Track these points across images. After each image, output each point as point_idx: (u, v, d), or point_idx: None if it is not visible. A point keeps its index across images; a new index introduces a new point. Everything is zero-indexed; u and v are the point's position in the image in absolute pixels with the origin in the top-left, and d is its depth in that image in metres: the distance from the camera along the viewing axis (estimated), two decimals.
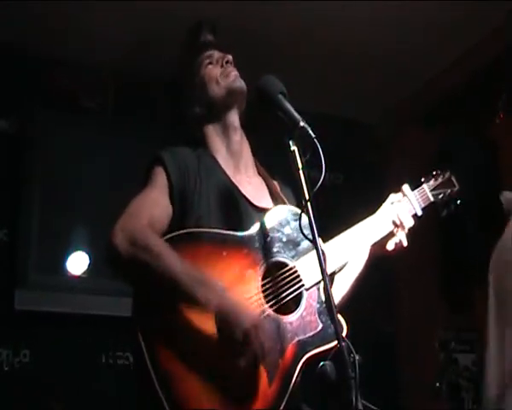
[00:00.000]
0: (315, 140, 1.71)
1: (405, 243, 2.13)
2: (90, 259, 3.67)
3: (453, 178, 2.26)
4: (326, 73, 4.20)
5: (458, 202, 2.25)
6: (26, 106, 3.79)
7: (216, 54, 2.21)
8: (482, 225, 4.14)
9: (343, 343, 1.54)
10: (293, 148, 1.75)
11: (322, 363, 1.61)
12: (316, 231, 1.67)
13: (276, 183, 2.23)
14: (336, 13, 3.68)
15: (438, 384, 3.47)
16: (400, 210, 2.14)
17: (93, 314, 3.58)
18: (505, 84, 4.00)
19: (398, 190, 2.20)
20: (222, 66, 2.18)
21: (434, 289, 4.37)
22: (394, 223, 2.13)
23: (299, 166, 1.72)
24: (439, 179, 2.25)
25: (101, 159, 3.83)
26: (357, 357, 1.52)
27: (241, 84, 2.16)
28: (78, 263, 3.67)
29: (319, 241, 1.67)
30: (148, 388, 1.68)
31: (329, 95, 4.38)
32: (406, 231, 2.14)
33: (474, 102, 4.18)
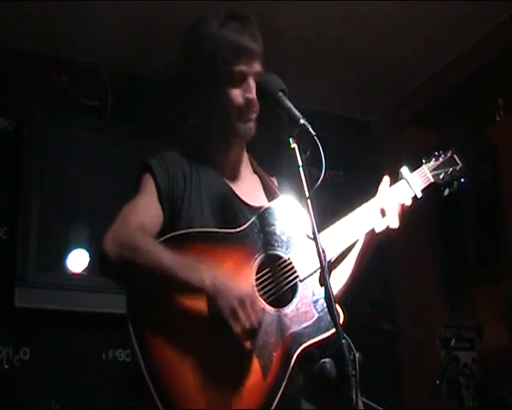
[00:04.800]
0: (315, 138, 1.71)
1: (395, 226, 2.04)
2: (89, 256, 3.67)
3: (456, 156, 2.19)
4: (326, 72, 4.20)
5: (462, 179, 2.16)
6: (25, 105, 3.79)
7: (245, 74, 1.99)
8: (482, 224, 4.15)
9: (343, 341, 1.54)
10: (294, 145, 1.74)
11: (322, 360, 1.61)
12: (316, 229, 1.67)
13: (273, 178, 2.23)
14: (336, 12, 3.68)
15: (438, 382, 3.47)
16: (386, 197, 2.06)
17: (93, 312, 3.58)
18: (505, 83, 4.02)
19: (393, 177, 2.15)
20: (246, 101, 2.00)
21: (435, 287, 4.37)
22: (381, 211, 2.05)
23: (300, 163, 1.72)
24: (440, 159, 2.17)
25: (100, 158, 3.85)
26: (357, 354, 1.52)
27: (250, 135, 2.05)
28: (77, 261, 3.67)
29: (319, 239, 1.67)
30: (141, 384, 1.68)
31: (330, 93, 4.39)
32: (393, 215, 2.04)
33: (473, 102, 4.19)
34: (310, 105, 2.74)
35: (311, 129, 1.73)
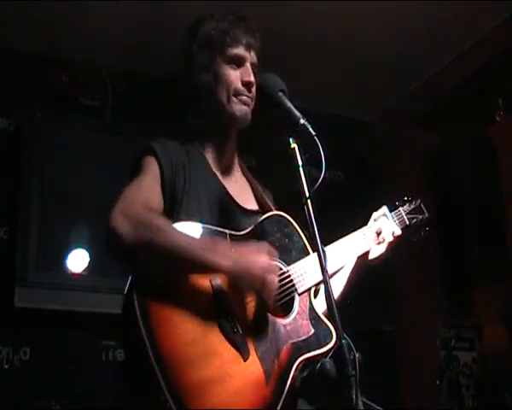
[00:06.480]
0: (315, 137, 1.71)
1: (386, 253, 2.19)
2: (89, 256, 3.66)
3: (422, 206, 2.34)
4: (326, 72, 4.20)
5: (427, 228, 2.34)
6: (25, 105, 3.79)
7: (244, 59, 2.05)
8: (482, 224, 4.15)
9: (343, 341, 1.54)
10: (294, 145, 1.75)
11: (322, 360, 1.61)
12: (316, 229, 1.67)
13: (257, 185, 2.23)
14: (336, 12, 3.69)
15: (438, 382, 3.48)
16: (383, 225, 2.20)
17: (93, 312, 3.57)
18: (505, 83, 4.02)
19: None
20: (243, 83, 2.04)
21: (435, 288, 4.37)
22: (377, 234, 2.18)
23: (300, 163, 1.72)
24: (412, 205, 2.33)
25: (100, 158, 3.84)
26: (357, 355, 1.52)
27: (246, 121, 2.06)
28: (78, 261, 3.67)
29: (319, 238, 1.67)
30: (144, 363, 1.63)
31: (330, 93, 4.38)
32: (387, 244, 2.18)
33: (473, 102, 4.19)
34: (310, 105, 2.74)
35: (311, 129, 1.74)
